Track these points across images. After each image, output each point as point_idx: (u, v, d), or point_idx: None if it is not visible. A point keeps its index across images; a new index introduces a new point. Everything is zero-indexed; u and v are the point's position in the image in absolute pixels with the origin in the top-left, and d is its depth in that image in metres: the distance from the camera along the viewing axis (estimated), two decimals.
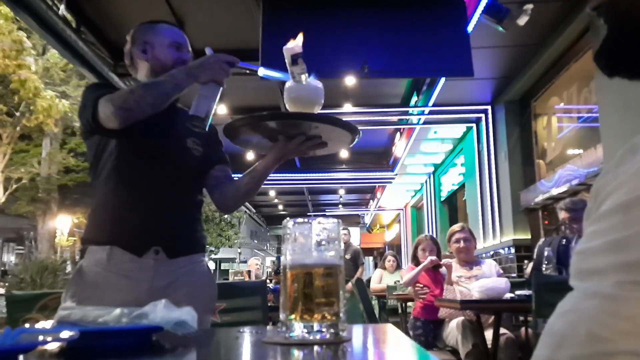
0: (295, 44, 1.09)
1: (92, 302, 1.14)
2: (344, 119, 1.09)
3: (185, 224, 1.31)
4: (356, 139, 1.13)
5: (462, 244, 3.11)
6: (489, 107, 5.78)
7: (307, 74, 1.10)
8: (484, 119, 5.89)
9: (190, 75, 1.20)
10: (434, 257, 3.28)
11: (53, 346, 0.66)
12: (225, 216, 14.93)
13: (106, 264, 1.19)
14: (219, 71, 1.19)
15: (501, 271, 3.17)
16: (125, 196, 1.24)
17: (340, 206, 14.43)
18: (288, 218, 0.73)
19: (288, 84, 1.12)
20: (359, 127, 1.14)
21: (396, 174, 8.93)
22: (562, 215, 3.08)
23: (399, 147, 7.89)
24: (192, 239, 1.32)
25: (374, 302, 5.46)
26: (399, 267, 5.90)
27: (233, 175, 1.44)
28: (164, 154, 1.29)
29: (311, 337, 0.67)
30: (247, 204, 15.03)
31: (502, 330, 2.58)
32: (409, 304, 4.10)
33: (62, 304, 1.19)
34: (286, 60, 1.09)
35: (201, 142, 1.37)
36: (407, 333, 3.34)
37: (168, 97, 1.20)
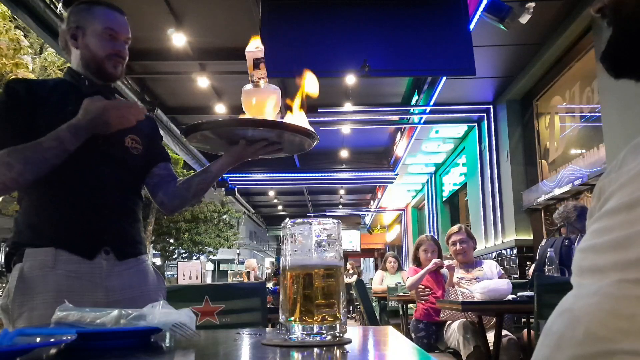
0: (258, 48, 1.08)
1: (46, 307, 1.06)
2: (305, 127, 1.08)
3: (131, 224, 1.28)
4: (313, 144, 1.15)
5: (458, 246, 3.10)
6: (490, 107, 5.77)
7: (266, 79, 1.10)
8: (485, 118, 5.88)
9: (79, 136, 1.12)
10: (438, 260, 3.27)
11: (51, 348, 0.65)
12: (224, 217, 14.88)
13: (53, 266, 1.12)
14: (122, 120, 1.14)
15: (502, 271, 3.16)
16: (68, 197, 1.18)
17: (340, 206, 14.44)
18: (287, 218, 0.73)
19: (247, 88, 1.11)
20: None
21: (397, 174, 8.92)
22: (559, 223, 3.13)
23: (400, 146, 7.89)
24: (137, 240, 1.29)
25: (375, 304, 5.44)
26: (400, 268, 5.88)
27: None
28: (103, 153, 1.22)
29: (311, 339, 0.66)
30: (246, 204, 15.02)
31: (504, 332, 2.57)
32: (410, 305, 4.09)
33: (11, 316, 1.10)
34: (247, 64, 1.08)
35: (141, 140, 1.31)
36: (408, 335, 3.33)
37: (52, 166, 1.12)
